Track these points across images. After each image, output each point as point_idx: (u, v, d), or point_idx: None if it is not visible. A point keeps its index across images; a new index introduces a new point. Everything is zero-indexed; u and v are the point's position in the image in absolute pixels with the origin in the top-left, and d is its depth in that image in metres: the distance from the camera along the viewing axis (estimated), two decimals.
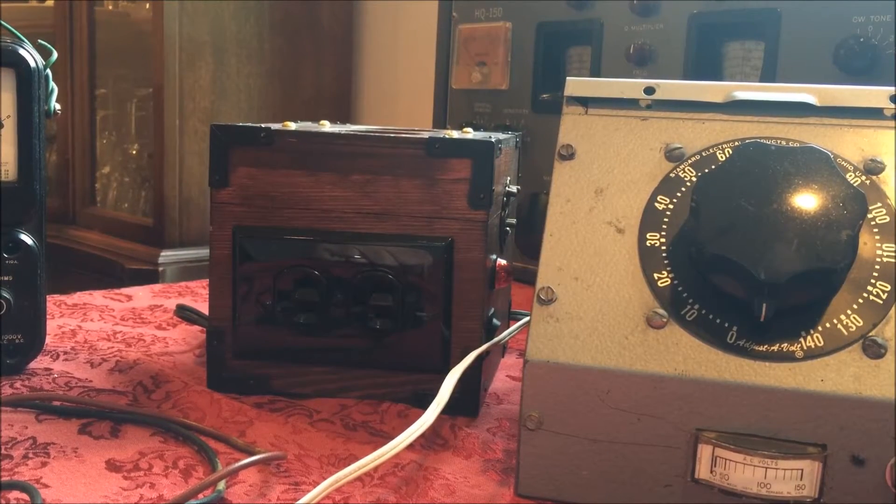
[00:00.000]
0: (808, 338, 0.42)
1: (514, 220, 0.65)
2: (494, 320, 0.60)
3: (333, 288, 0.56)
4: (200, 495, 0.43)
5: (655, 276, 0.45)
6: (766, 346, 0.42)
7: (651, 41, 0.85)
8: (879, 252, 0.43)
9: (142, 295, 0.88)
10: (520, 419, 0.45)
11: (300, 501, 0.40)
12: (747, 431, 0.41)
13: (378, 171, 0.56)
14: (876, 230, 0.43)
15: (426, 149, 0.55)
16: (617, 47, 0.87)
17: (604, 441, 0.43)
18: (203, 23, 1.60)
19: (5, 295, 0.59)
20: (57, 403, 0.55)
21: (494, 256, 0.60)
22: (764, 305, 0.41)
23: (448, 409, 0.52)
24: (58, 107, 0.62)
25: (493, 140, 0.56)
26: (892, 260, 0.43)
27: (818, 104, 0.48)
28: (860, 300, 0.42)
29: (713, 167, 0.46)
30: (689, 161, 0.48)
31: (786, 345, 0.42)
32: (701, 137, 0.48)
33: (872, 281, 0.42)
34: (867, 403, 0.40)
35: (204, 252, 1.50)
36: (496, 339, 0.58)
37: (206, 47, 1.61)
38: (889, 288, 0.42)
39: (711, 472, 0.42)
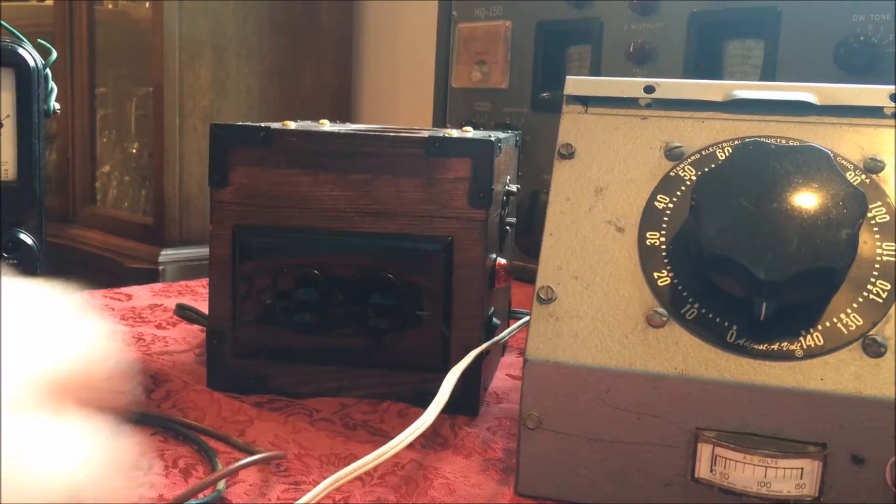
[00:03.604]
0: (808, 337, 0.42)
1: (513, 219, 0.65)
2: (494, 319, 0.60)
3: (333, 287, 0.56)
4: (200, 495, 0.43)
5: (655, 275, 0.45)
6: (765, 345, 0.42)
7: (651, 40, 0.85)
8: (879, 251, 0.43)
9: (142, 294, 0.88)
10: (520, 418, 0.45)
11: (300, 501, 0.40)
12: (747, 430, 0.41)
13: (378, 170, 0.56)
14: (876, 229, 0.43)
15: (426, 148, 0.55)
16: (617, 46, 0.87)
17: (604, 440, 0.43)
18: (203, 22, 1.60)
19: None
20: None
21: (494, 255, 0.60)
22: (764, 304, 0.41)
23: (448, 409, 0.52)
24: (57, 106, 0.62)
25: (492, 139, 0.56)
26: (892, 259, 0.43)
27: (818, 103, 0.48)
28: (860, 299, 0.42)
29: (713, 166, 0.46)
30: (689, 160, 0.48)
31: (786, 344, 0.42)
32: (701, 136, 0.48)
33: (872, 280, 0.42)
34: (867, 402, 0.40)
35: (204, 251, 1.50)
36: (496, 339, 0.58)
37: (205, 46, 1.61)
38: (889, 287, 0.42)
39: (711, 471, 0.42)
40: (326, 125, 0.64)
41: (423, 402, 0.55)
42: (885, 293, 0.42)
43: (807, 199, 0.42)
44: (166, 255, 1.60)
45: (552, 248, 0.47)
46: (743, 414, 0.41)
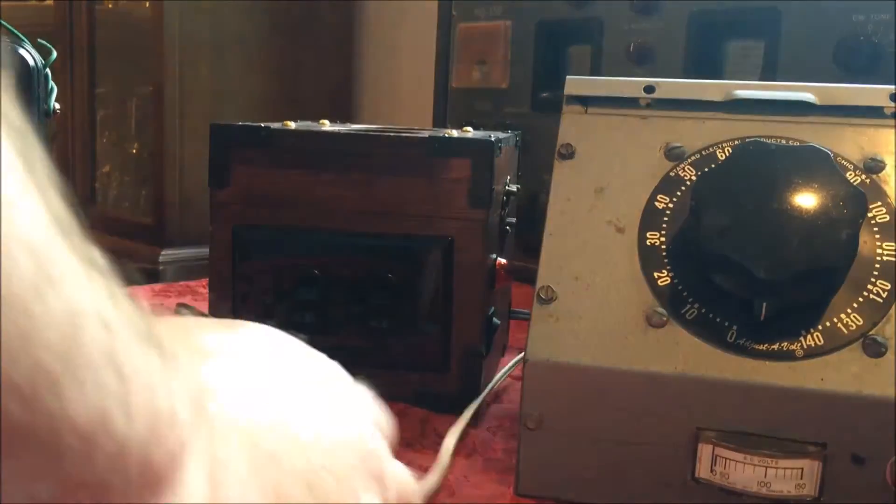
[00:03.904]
0: (809, 337, 0.42)
1: (514, 219, 0.65)
2: (494, 319, 0.60)
3: (333, 288, 0.56)
4: None
5: (655, 275, 0.45)
6: (766, 345, 0.42)
7: (651, 40, 0.85)
8: (879, 251, 0.43)
9: (142, 294, 0.88)
10: (520, 418, 0.45)
11: None
12: (747, 430, 0.41)
13: (378, 170, 0.56)
14: (876, 229, 0.43)
15: (426, 148, 0.55)
16: (617, 46, 0.87)
17: (604, 440, 0.43)
18: (203, 22, 1.60)
19: None
20: None
21: (494, 255, 0.60)
22: (764, 304, 0.41)
23: (448, 409, 0.52)
24: (57, 106, 0.62)
25: (492, 139, 0.56)
26: (892, 259, 0.43)
27: (818, 103, 0.48)
28: (860, 299, 0.42)
29: (713, 166, 0.46)
30: (689, 160, 0.47)
31: (786, 344, 0.42)
32: (701, 136, 0.48)
33: (872, 280, 0.42)
34: (867, 402, 0.40)
35: (204, 251, 1.50)
36: (483, 395, 0.58)
37: (206, 46, 1.61)
38: (889, 287, 0.42)
39: (712, 471, 0.42)
40: (326, 125, 0.64)
41: (423, 402, 0.55)
42: (885, 293, 0.42)
43: (807, 199, 0.42)
44: (166, 255, 1.60)
45: (552, 248, 0.47)
46: (743, 414, 0.41)
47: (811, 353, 0.41)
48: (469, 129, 0.63)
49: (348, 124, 0.69)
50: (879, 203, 0.44)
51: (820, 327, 0.42)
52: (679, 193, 0.46)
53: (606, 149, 0.49)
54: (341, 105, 1.82)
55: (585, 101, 0.50)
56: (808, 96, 0.48)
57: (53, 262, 0.18)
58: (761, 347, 0.42)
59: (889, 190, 0.45)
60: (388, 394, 0.58)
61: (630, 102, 0.50)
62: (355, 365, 0.59)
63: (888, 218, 0.44)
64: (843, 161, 0.46)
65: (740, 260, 0.40)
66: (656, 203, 0.47)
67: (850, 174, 0.45)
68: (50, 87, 0.61)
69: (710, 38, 0.82)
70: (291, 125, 0.60)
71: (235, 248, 0.57)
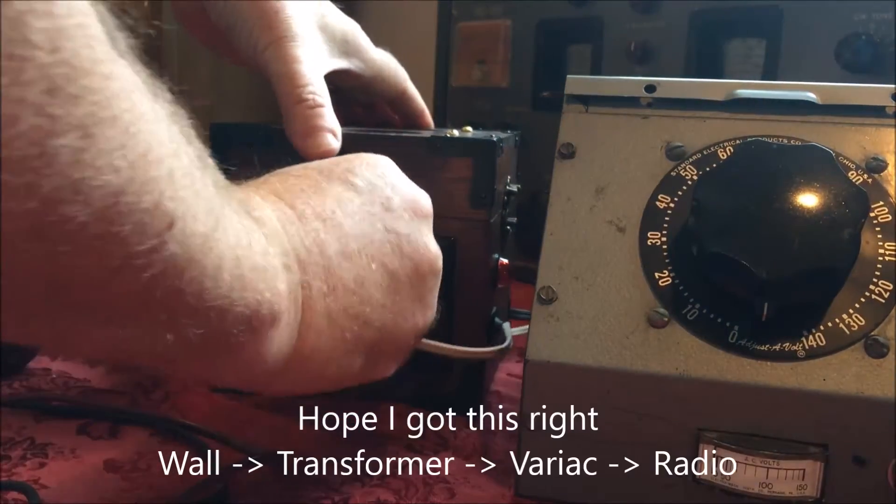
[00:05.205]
0: (810, 337, 0.41)
1: (514, 219, 0.65)
2: (496, 319, 0.59)
3: None
4: (199, 495, 0.43)
5: (656, 275, 0.44)
6: (767, 346, 0.42)
7: (652, 39, 0.85)
8: (881, 251, 0.43)
9: None
10: (520, 418, 0.44)
11: None
12: (749, 431, 0.41)
13: None
14: (878, 229, 0.43)
15: (427, 148, 0.55)
16: (618, 45, 0.87)
17: (604, 441, 0.43)
18: None
19: None
20: (55, 403, 0.55)
21: (496, 256, 0.59)
22: (765, 305, 0.41)
23: (449, 410, 0.52)
24: None
25: (494, 139, 0.55)
26: (894, 259, 0.42)
27: (820, 102, 0.48)
28: (862, 299, 0.42)
29: (714, 166, 0.46)
30: (691, 160, 0.47)
31: (787, 344, 0.41)
32: (702, 136, 0.48)
33: (874, 280, 0.42)
34: (869, 403, 0.40)
35: None
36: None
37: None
38: (891, 287, 0.42)
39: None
40: None
41: (424, 402, 0.55)
42: (887, 293, 0.42)
43: (808, 199, 0.41)
44: None
45: (552, 248, 0.46)
46: (744, 414, 0.41)
47: (813, 354, 0.41)
48: (469, 128, 0.63)
49: None
50: (881, 203, 0.44)
51: (822, 328, 0.42)
52: (680, 193, 0.46)
53: (607, 148, 0.49)
54: None
55: (586, 101, 0.50)
56: (810, 96, 0.48)
57: None
58: (763, 348, 0.42)
59: (891, 189, 0.44)
60: (389, 394, 0.58)
61: (631, 102, 0.50)
62: None
63: (890, 218, 0.43)
64: (844, 160, 0.46)
65: (742, 260, 0.40)
66: (657, 203, 0.46)
67: (852, 174, 0.45)
68: None
69: (711, 37, 0.82)
70: None
71: None
